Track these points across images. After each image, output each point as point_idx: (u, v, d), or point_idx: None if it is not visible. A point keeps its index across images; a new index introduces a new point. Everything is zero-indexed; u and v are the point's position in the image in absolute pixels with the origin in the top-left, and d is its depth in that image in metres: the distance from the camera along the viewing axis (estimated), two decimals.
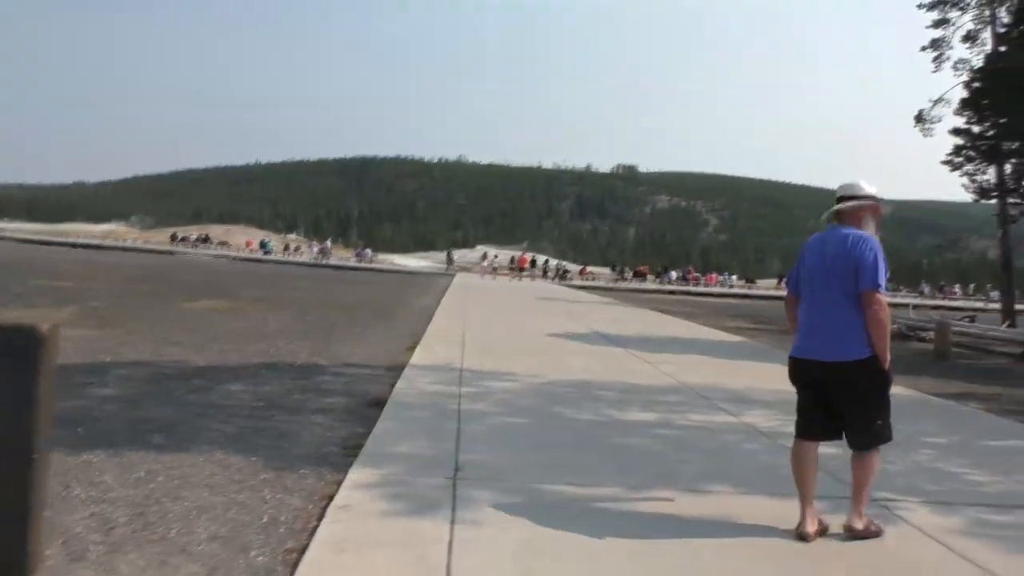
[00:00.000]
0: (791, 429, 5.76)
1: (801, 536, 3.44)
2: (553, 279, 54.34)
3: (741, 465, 4.76)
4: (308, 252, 64.70)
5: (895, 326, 19.10)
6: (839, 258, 3.55)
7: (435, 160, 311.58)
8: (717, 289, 56.52)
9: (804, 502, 3.55)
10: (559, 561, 3.04)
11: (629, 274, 64.56)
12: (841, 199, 3.76)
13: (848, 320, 3.50)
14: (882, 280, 3.49)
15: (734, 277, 72.41)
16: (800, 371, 3.70)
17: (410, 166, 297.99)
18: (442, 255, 65.68)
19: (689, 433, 5.61)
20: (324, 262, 52.20)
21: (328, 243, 66.06)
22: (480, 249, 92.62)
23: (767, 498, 4.05)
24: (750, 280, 74.41)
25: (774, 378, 8.88)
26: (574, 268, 69.77)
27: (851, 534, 3.52)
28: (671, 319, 19.37)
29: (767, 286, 64.56)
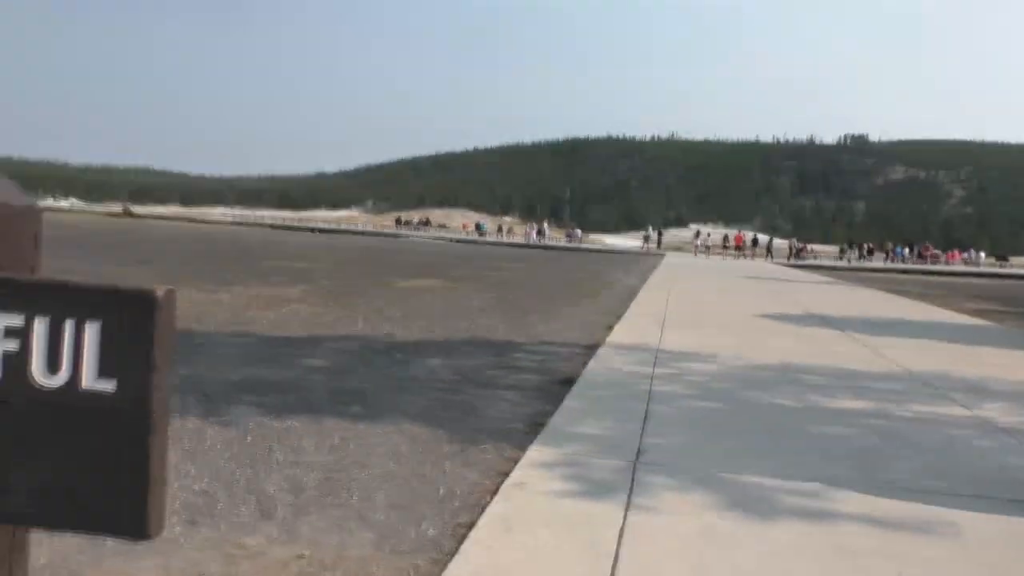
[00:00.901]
0: None
1: None
2: (764, 257, 51.66)
3: (969, 466, 4.17)
4: (526, 234, 66.48)
5: None
6: None
7: (647, 139, 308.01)
8: (960, 268, 51.00)
9: None
10: (735, 555, 2.80)
11: (854, 252, 59.84)
12: None
13: None
14: None
15: (982, 254, 64.82)
16: None
17: (622, 146, 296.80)
18: (653, 234, 64.49)
19: (907, 426, 5.02)
20: (541, 243, 53.45)
21: (545, 225, 67.43)
22: (692, 228, 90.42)
23: (998, 502, 3.51)
24: (1001, 257, 66.35)
25: (1021, 367, 7.81)
26: (785, 245, 65.87)
27: None
28: (899, 299, 17.69)
29: (1022, 264, 57.25)
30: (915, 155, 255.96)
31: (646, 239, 60.15)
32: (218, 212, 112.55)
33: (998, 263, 61.23)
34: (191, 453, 3.76)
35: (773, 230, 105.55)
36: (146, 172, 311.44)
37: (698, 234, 58.40)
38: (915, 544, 3.03)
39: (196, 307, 9.24)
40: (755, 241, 58.28)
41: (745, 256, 51.66)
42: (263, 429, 4.26)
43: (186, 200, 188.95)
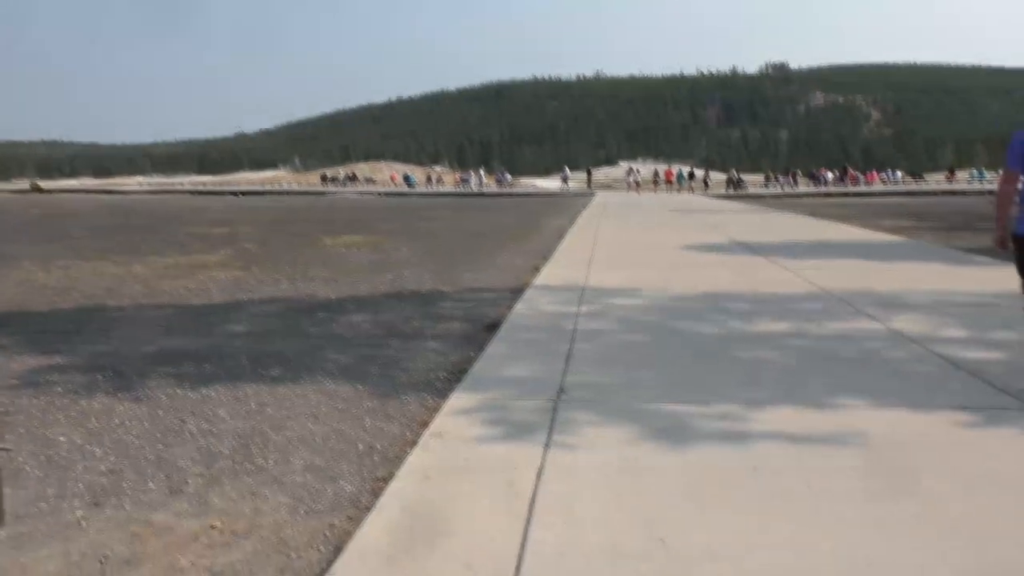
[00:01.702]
0: (947, 333, 5.28)
1: None
2: (703, 191, 52.20)
3: (880, 375, 4.30)
4: (457, 182, 65.51)
5: None
6: None
7: (573, 78, 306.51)
8: (879, 188, 52.60)
9: None
10: (654, 487, 2.82)
11: (779, 181, 61.08)
12: None
13: None
14: None
15: (899, 174, 66.90)
16: None
17: (548, 87, 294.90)
18: (584, 175, 64.39)
19: (824, 343, 5.15)
20: (480, 191, 52.86)
21: (482, 172, 66.22)
22: (623, 165, 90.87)
23: (908, 411, 3.63)
24: (917, 176, 68.63)
25: (932, 277, 8.10)
26: (721, 178, 66.71)
27: None
28: (821, 223, 18.16)
29: (936, 180, 59.38)
30: (834, 80, 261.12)
31: (564, 180, 58.84)
32: (135, 181, 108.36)
33: (914, 181, 63.32)
34: (97, 433, 3.61)
35: (703, 163, 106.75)
36: (54, 145, 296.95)
37: (630, 171, 58.63)
38: (827, 456, 3.11)
39: (109, 281, 8.88)
40: (691, 175, 58.68)
41: (680, 190, 52.10)
42: (176, 401, 4.11)
43: (99, 171, 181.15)
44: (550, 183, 70.82)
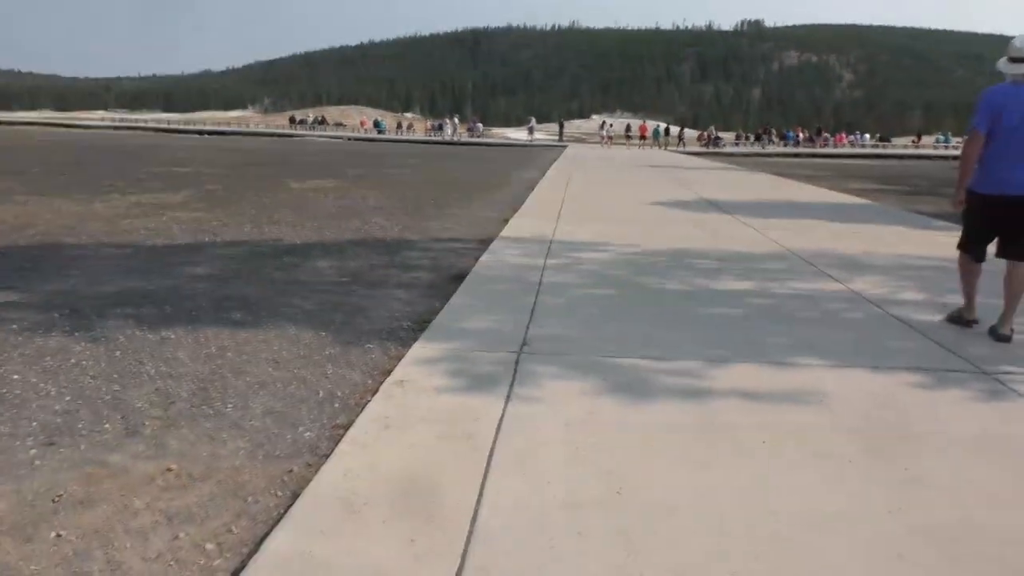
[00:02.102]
0: (904, 296, 5.38)
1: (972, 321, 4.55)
2: (676, 146, 51.99)
3: (839, 336, 4.37)
4: (428, 131, 64.42)
5: None
6: None
7: (548, 28, 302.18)
8: (847, 150, 52.97)
9: (970, 296, 4.60)
10: (613, 440, 2.86)
11: (749, 139, 61.15)
12: (1022, 59, 4.28)
13: None
14: None
15: (867, 136, 67.33)
16: (1000, 201, 4.31)
17: (523, 36, 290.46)
18: (555, 127, 63.79)
19: (786, 302, 5.22)
20: (456, 139, 52.04)
21: (456, 120, 64.86)
22: (596, 119, 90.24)
23: (863, 371, 3.70)
24: (884, 139, 69.12)
25: (894, 241, 8.22)
26: (694, 134, 66.61)
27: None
28: (789, 183, 18.28)
29: (903, 144, 59.92)
30: (808, 39, 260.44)
31: (530, 131, 57.52)
32: (97, 116, 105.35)
33: (881, 144, 63.84)
34: (53, 372, 3.55)
35: (678, 120, 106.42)
36: (11, 74, 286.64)
37: (603, 125, 58.19)
38: (784, 413, 3.17)
39: (68, 219, 8.67)
40: (667, 131, 58.37)
41: (656, 146, 51.82)
42: (135, 343, 4.05)
43: (60, 104, 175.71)
44: (522, 134, 70.00)
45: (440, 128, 60.17)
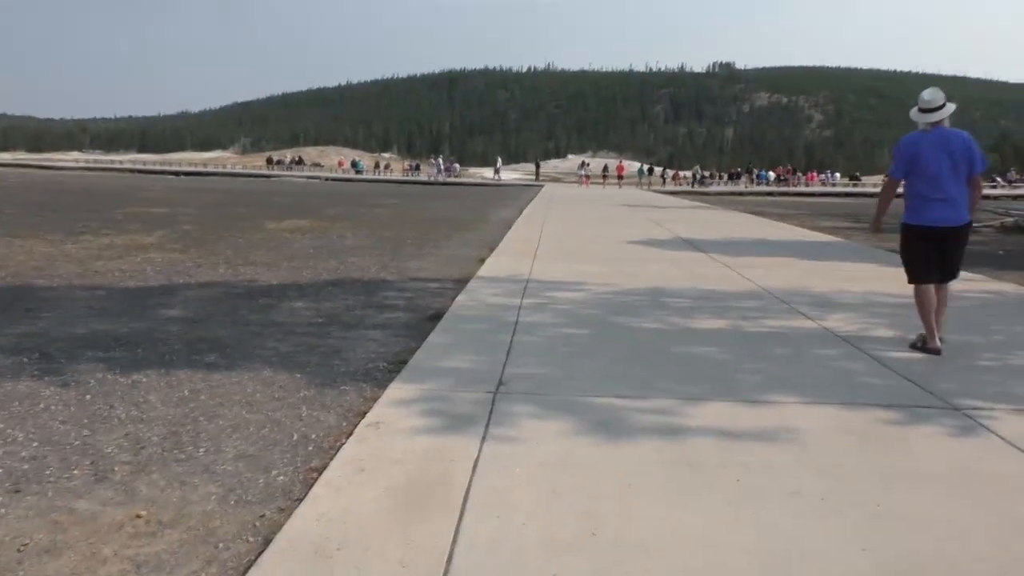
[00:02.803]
0: (875, 332, 5.46)
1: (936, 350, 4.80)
2: (661, 186, 52.65)
3: (812, 373, 4.41)
4: (405, 170, 64.66)
5: (1011, 219, 17.74)
6: (964, 152, 4.87)
7: (524, 70, 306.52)
8: (818, 188, 53.90)
9: (930, 326, 4.87)
10: (590, 479, 2.85)
11: (717, 178, 62.13)
12: (931, 110, 4.95)
13: (965, 195, 4.92)
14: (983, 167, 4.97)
15: (837, 175, 68.63)
16: (929, 234, 4.93)
17: (499, 77, 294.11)
18: (532, 167, 64.33)
19: (760, 340, 5.26)
20: (446, 179, 52.23)
21: (440, 160, 64.46)
22: (572, 159, 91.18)
23: (836, 407, 3.73)
24: (854, 177, 70.48)
25: (865, 278, 8.34)
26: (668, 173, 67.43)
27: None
28: (761, 221, 18.55)
29: (874, 183, 61.07)
30: (778, 81, 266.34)
31: (496, 171, 56.95)
32: (71, 157, 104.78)
33: (851, 183, 65.05)
34: (20, 417, 3.49)
35: (649, 157, 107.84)
36: None
37: (582, 164, 58.74)
38: (758, 451, 3.18)
39: (39, 260, 8.58)
40: (651, 170, 59.14)
41: (638, 186, 52.38)
42: (105, 386, 3.99)
43: (34, 145, 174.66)
44: (490, 173, 70.28)
45: (417, 168, 60.44)
